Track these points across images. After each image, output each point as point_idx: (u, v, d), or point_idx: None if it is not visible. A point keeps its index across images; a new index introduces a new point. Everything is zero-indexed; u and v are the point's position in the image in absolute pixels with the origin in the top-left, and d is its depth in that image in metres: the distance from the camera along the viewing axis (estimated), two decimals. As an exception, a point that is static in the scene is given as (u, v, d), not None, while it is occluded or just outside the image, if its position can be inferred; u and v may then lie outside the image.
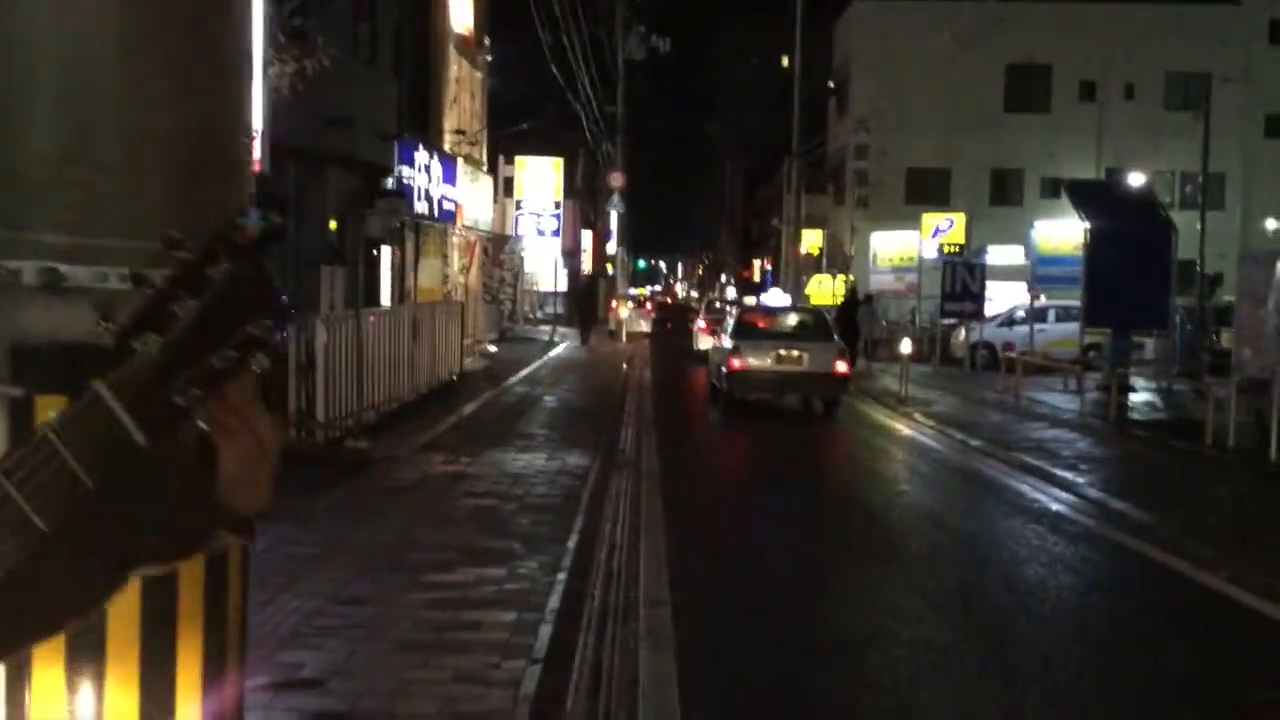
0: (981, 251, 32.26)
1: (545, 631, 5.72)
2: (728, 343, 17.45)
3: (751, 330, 17.78)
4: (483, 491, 9.49)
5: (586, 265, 47.20)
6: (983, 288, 25.06)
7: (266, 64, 10.33)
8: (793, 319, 19.14)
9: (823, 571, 7.97)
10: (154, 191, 1.60)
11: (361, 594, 6.24)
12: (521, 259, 34.75)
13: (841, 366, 16.81)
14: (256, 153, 10.20)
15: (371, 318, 12.74)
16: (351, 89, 16.09)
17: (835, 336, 17.90)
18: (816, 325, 18.31)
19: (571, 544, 7.72)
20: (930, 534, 9.44)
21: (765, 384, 16.99)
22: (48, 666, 1.65)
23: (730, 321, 19.49)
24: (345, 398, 11.54)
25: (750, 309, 24.89)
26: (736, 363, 16.67)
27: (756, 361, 16.65)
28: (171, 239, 1.08)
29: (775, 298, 32.46)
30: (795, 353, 16.68)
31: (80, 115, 1.58)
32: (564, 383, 20.45)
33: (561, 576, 6.82)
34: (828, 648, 6.15)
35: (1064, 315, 24.70)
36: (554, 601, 6.27)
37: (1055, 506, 10.23)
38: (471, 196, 27.24)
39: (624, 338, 34.86)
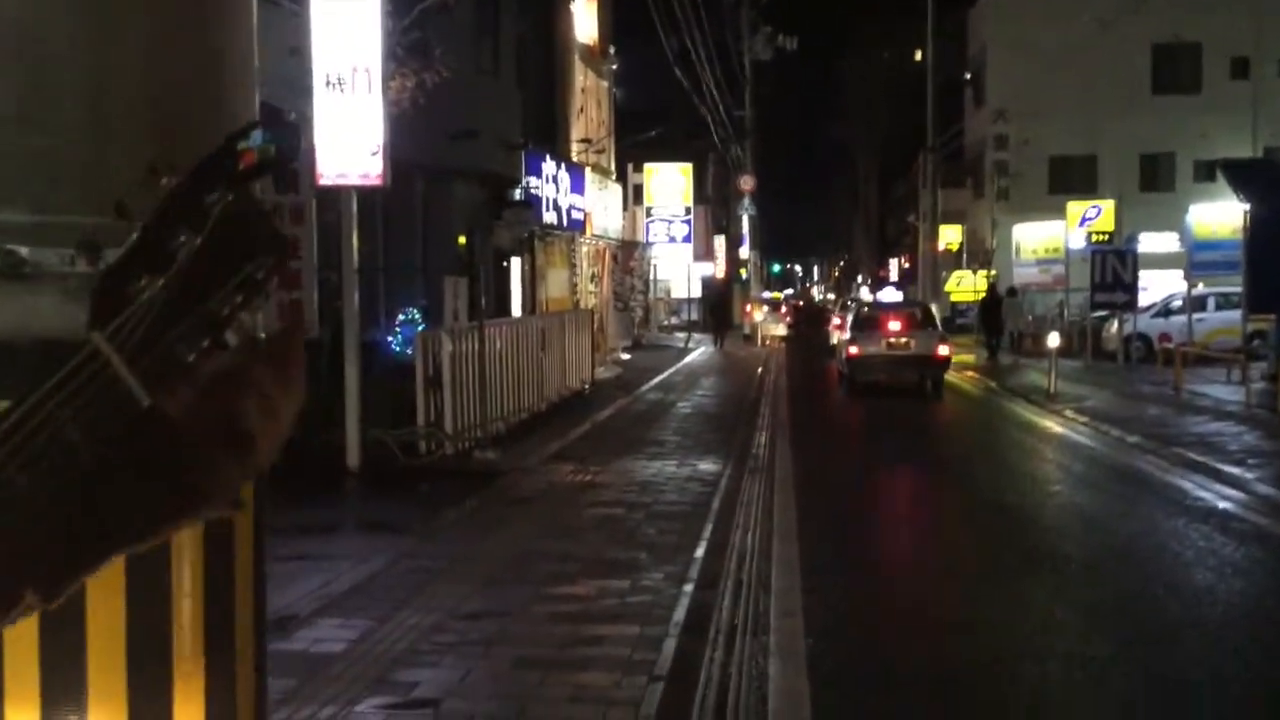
0: (1132, 239, 30.80)
1: (669, 646, 5.44)
2: (848, 334, 20.50)
3: (867, 322, 20.30)
4: (610, 500, 9.27)
5: (719, 271, 46.84)
6: (1135, 277, 23.84)
7: (386, 78, 10.33)
8: (902, 312, 21.31)
9: (970, 581, 7.49)
10: (121, 162, 1.39)
11: (483, 609, 6.06)
12: (652, 266, 34.62)
13: (942, 350, 19.26)
14: (378, 166, 10.24)
15: (497, 329, 12.67)
16: (475, 101, 16.16)
17: (938, 325, 20.72)
18: (922, 317, 20.78)
19: (699, 553, 7.43)
20: (1086, 537, 8.85)
21: (878, 367, 19.45)
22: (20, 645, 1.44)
23: (850, 316, 22.37)
24: (473, 409, 11.48)
25: (866, 304, 27.31)
26: (854, 349, 19.59)
27: (871, 348, 19.35)
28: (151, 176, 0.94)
29: (889, 295, 36.47)
30: (902, 340, 19.33)
31: (36, 72, 1.37)
32: (697, 389, 20.18)
33: (688, 588, 6.54)
34: (976, 664, 5.71)
35: (1224, 303, 23.36)
36: (679, 614, 5.99)
37: (1222, 504, 9.51)
38: (600, 205, 27.23)
39: (759, 342, 34.42)
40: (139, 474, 1.02)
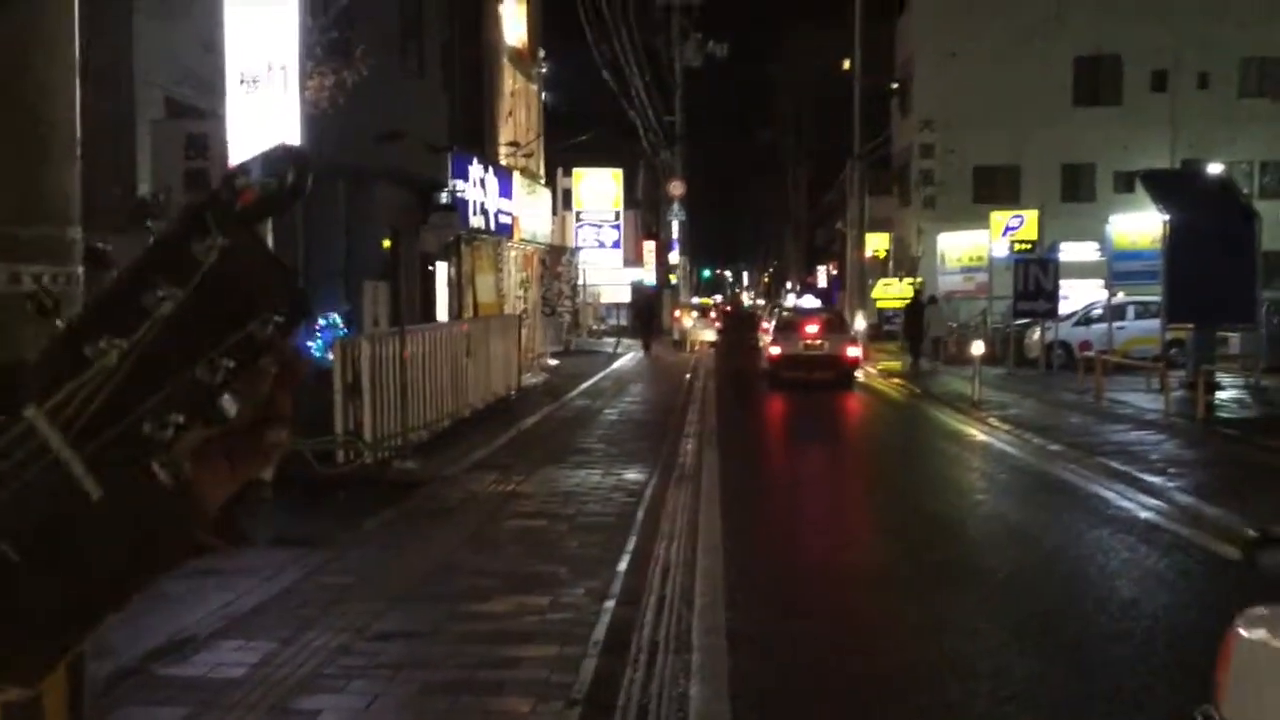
0: (1054, 249, 31.26)
1: (588, 667, 5.26)
2: (770, 336, 23.92)
3: (787, 326, 23.55)
4: (532, 511, 9.07)
5: (650, 276, 46.75)
6: (1057, 285, 24.18)
7: (303, 77, 10.04)
8: (818, 317, 24.11)
9: (894, 595, 7.40)
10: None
11: (394, 628, 5.83)
12: (579, 270, 34.40)
13: (852, 351, 22.17)
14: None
15: (418, 334, 12.39)
16: (401, 103, 15.84)
17: (849, 330, 23.97)
18: (837, 322, 23.92)
19: (622, 567, 7.25)
20: (1010, 548, 8.82)
21: (796, 364, 21.88)
22: None
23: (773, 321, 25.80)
24: (393, 417, 11.20)
25: (787, 310, 31.58)
26: (775, 350, 22.52)
27: (790, 349, 22.10)
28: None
29: (808, 301, 40.38)
30: (817, 342, 21.98)
31: None
32: (625, 395, 20.02)
33: (609, 604, 6.36)
34: (900, 684, 5.60)
35: (1143, 311, 23.73)
36: (599, 633, 5.81)
37: (1144, 514, 9.55)
38: (529, 209, 26.96)
39: (689, 347, 34.37)
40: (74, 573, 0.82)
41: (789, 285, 76.01)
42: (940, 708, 5.21)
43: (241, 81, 9.83)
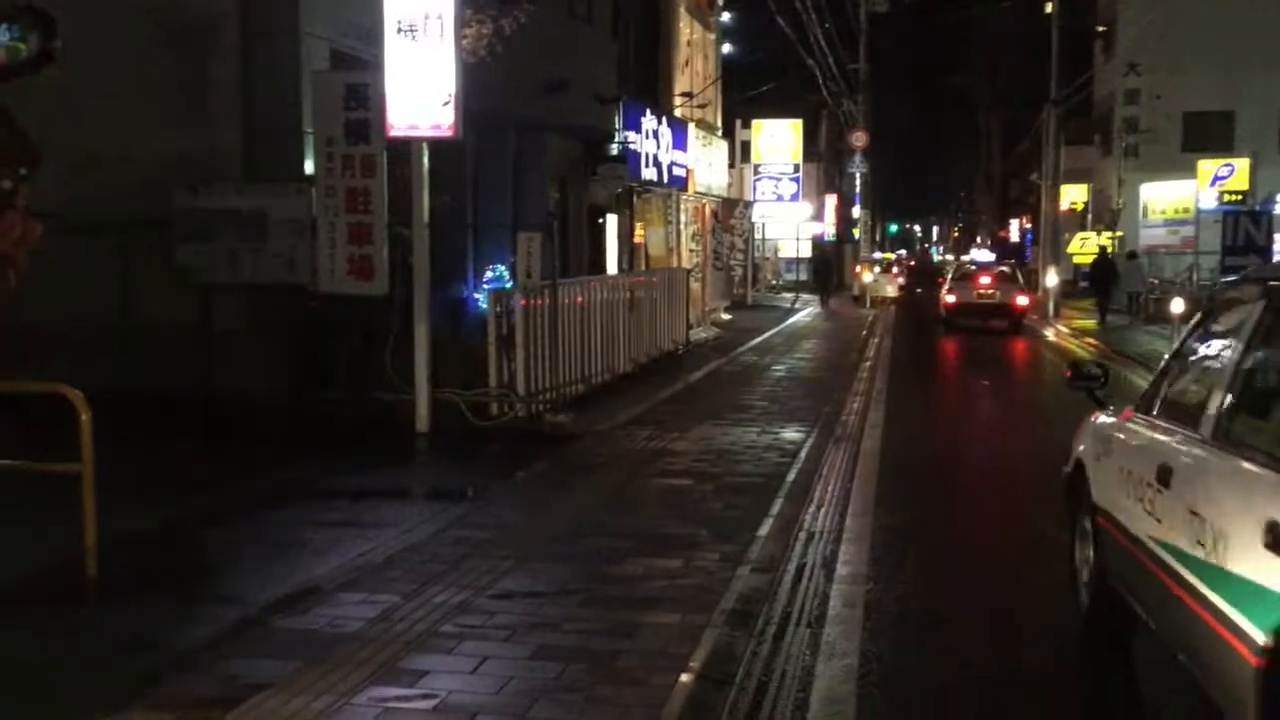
0: (1270, 201, 29.06)
1: (710, 638, 4.98)
2: (946, 287, 26.58)
3: (962, 278, 26.39)
4: (680, 470, 8.82)
5: (830, 230, 45.78)
6: (1270, 240, 22.28)
7: (459, 25, 9.93)
8: (991, 270, 27.03)
9: (1048, 583, 6.86)
10: None
11: (517, 587, 5.68)
12: (757, 224, 33.82)
13: (1020, 300, 24.83)
14: (449, 118, 9.84)
15: (576, 287, 12.26)
16: (567, 52, 15.70)
17: (1020, 281, 26.10)
18: (1009, 273, 26.32)
19: (763, 531, 6.94)
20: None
21: (969, 312, 24.84)
22: None
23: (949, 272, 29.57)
24: (549, 370, 11.11)
25: (962, 263, 35.29)
26: (950, 298, 25.55)
27: (963, 297, 25.21)
28: None
29: (983, 256, 46.70)
30: (989, 291, 24.89)
31: None
32: (796, 351, 19.55)
33: (744, 571, 6.06)
34: (1049, 671, 5.13)
35: (1369, 269, 21.76)
36: (728, 601, 5.52)
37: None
38: (705, 161, 26.61)
39: (868, 303, 33.49)
40: None
41: (979, 240, 73.42)
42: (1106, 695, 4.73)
43: (399, 31, 9.79)
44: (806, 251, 43.95)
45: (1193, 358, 4.63)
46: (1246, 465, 3.50)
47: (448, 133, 9.90)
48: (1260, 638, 3.10)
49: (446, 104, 9.79)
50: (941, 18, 56.65)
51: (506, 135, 15.99)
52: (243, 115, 10.93)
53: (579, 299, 12.16)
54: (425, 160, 10.08)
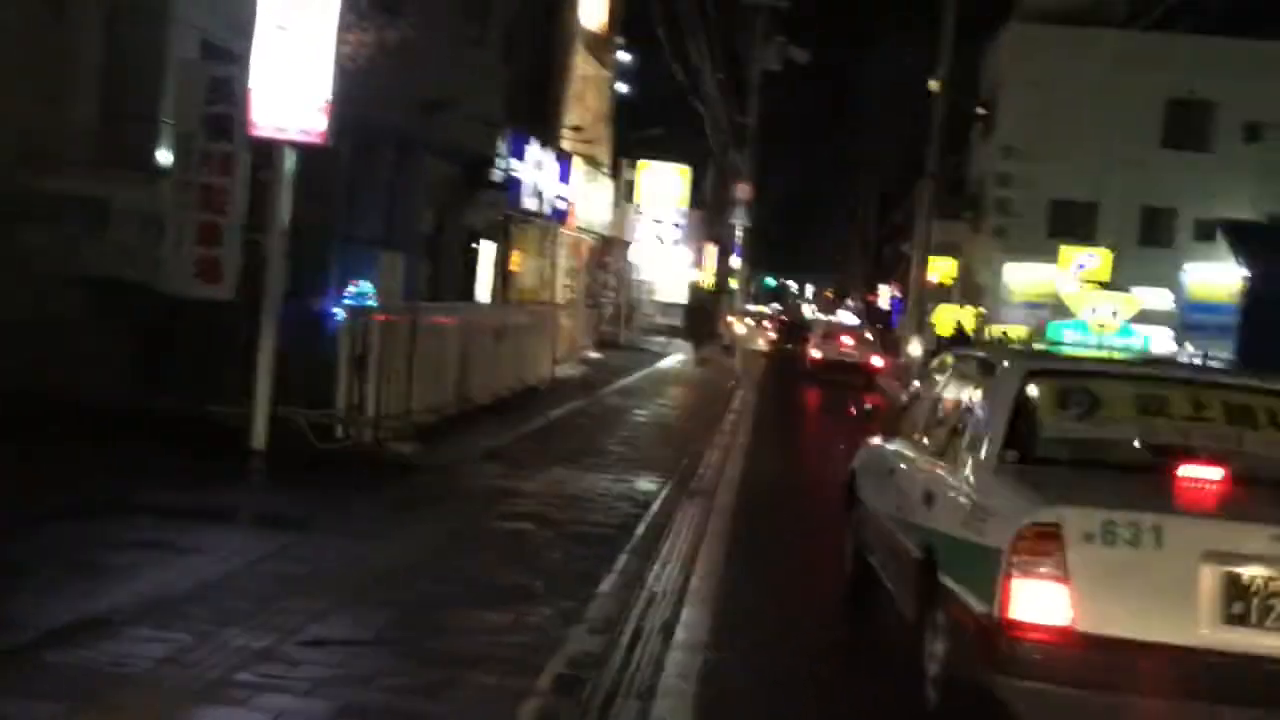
0: (1125, 292, 30.17)
1: (530, 708, 4.62)
2: (812, 343, 30.69)
3: (826, 335, 30.66)
4: (525, 513, 8.45)
5: (708, 278, 46.03)
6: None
7: (340, 27, 9.47)
8: (852, 330, 32.06)
9: (885, 658, 6.69)
10: None
11: (331, 633, 5.24)
12: (632, 265, 33.72)
13: (877, 361, 28.67)
14: (322, 123, 9.36)
15: (441, 313, 11.84)
16: (454, 72, 15.32)
17: (877, 342, 30.45)
18: (869, 335, 30.81)
19: (604, 588, 6.61)
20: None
21: (831, 368, 27.98)
22: None
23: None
24: (401, 396, 10.64)
25: (829, 323, 38.44)
26: (815, 353, 29.57)
27: (827, 354, 29.06)
28: None
29: (846, 317, 50.84)
30: (850, 350, 29.03)
31: None
32: (661, 396, 19.37)
33: (579, 630, 5.72)
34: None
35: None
36: (557, 664, 5.17)
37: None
38: (588, 197, 26.38)
39: (738, 355, 33.61)
40: None
41: (849, 302, 74.92)
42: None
43: (275, 25, 9.30)
44: (683, 297, 44.08)
45: (913, 399, 7.08)
46: (923, 460, 5.87)
47: (317, 139, 9.41)
48: (915, 553, 5.31)
49: (320, 109, 9.32)
50: (830, 83, 57.89)
51: (384, 150, 15.49)
52: (101, 97, 10.29)
53: (441, 325, 11.73)
54: (289, 164, 9.57)
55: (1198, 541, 4.14)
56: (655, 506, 9.36)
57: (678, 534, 8.50)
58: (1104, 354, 7.31)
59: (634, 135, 34.74)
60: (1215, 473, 4.55)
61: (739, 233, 41.59)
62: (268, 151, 9.57)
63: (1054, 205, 39.66)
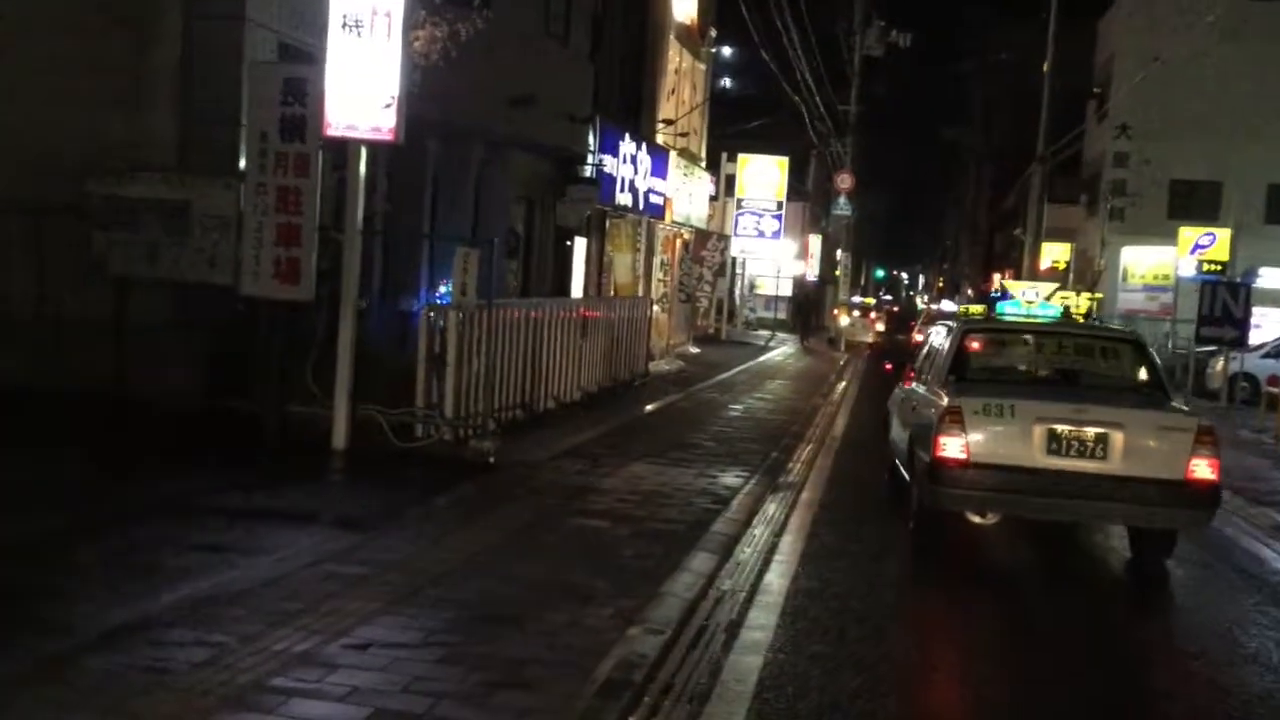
0: (1251, 273, 28.82)
1: (571, 713, 4.43)
2: (916, 328, 30.67)
3: (931, 321, 27.18)
4: (600, 511, 8.27)
5: (811, 270, 45.42)
6: (1247, 312, 21.95)
7: (408, 25, 9.44)
8: (953, 315, 30.90)
9: (969, 688, 6.34)
10: None
11: (379, 635, 5.12)
12: (731, 259, 33.34)
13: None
14: (391, 120, 9.32)
15: (521, 309, 11.74)
16: (537, 67, 15.21)
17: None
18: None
19: (669, 587, 6.39)
20: (1140, 616, 7.60)
21: None
22: None
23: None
24: (483, 393, 10.57)
25: (933, 310, 39.80)
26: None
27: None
28: None
29: (948, 305, 53.27)
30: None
31: None
32: (758, 391, 19.04)
33: (635, 631, 5.51)
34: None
35: (1345, 349, 21.45)
36: (606, 667, 4.97)
37: (1309, 585, 8.17)
38: (685, 191, 26.17)
39: (843, 347, 33.06)
40: None
41: (961, 290, 73.26)
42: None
43: (344, 26, 9.29)
44: (787, 290, 43.58)
45: (925, 353, 9.94)
46: (914, 389, 9.35)
47: (388, 136, 9.38)
48: (907, 442, 8.71)
49: (389, 106, 9.27)
50: (939, 68, 56.64)
51: (471, 147, 15.48)
52: (179, 102, 10.42)
53: (525, 320, 11.63)
54: (363, 164, 9.57)
55: (1031, 412, 7.63)
56: (736, 502, 9.10)
57: (756, 531, 8.27)
58: (1024, 319, 9.97)
59: (734, 128, 34.42)
60: (1053, 378, 8.95)
61: (843, 223, 40.89)
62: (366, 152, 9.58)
63: (1174, 185, 38.20)
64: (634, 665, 5.04)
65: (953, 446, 7.55)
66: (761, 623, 6.06)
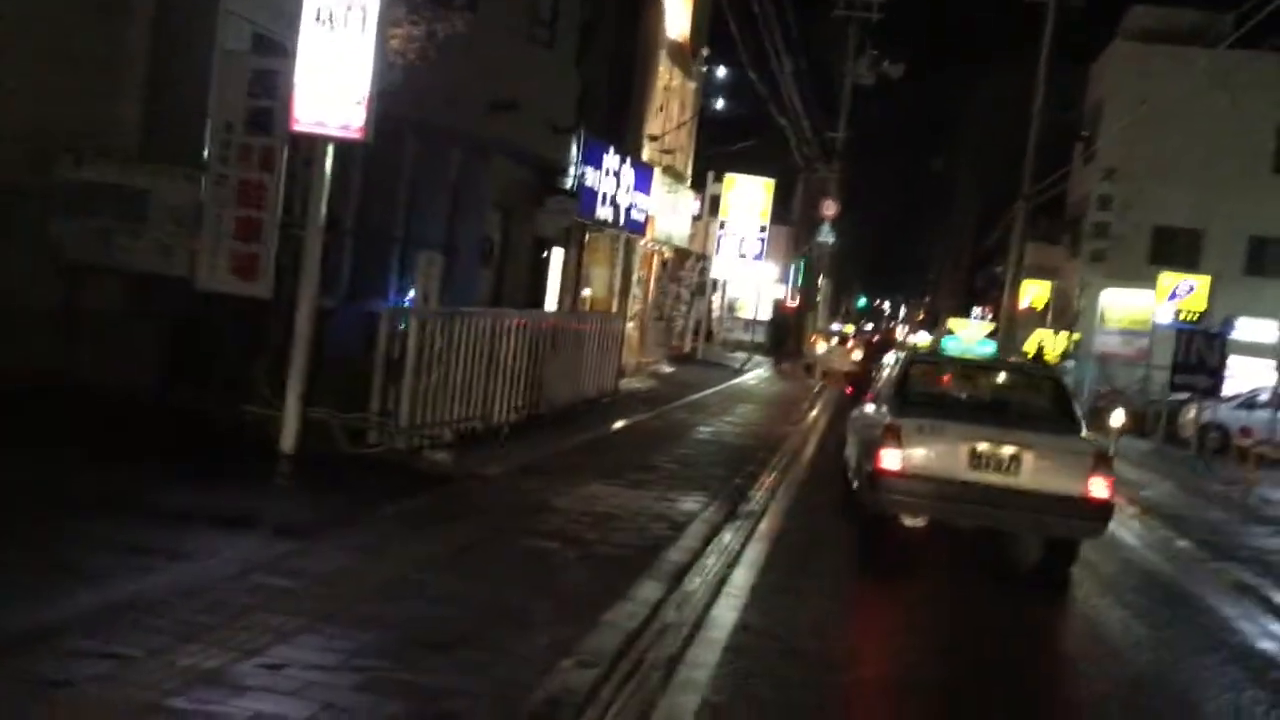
0: (1228, 323, 28.87)
1: (489, 751, 4.20)
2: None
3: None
4: (550, 530, 8.03)
5: (791, 295, 45.33)
6: (1222, 362, 21.93)
7: (384, 20, 9.19)
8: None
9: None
10: None
11: (296, 655, 4.87)
12: (711, 280, 33.17)
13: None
14: (360, 118, 9.07)
15: (489, 318, 11.50)
16: (521, 72, 14.99)
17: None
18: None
19: (610, 615, 6.16)
20: (1097, 667, 7.41)
21: None
22: None
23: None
24: (441, 402, 10.33)
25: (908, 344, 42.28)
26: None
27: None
28: None
29: (921, 337, 49.27)
30: None
31: None
32: (728, 414, 18.83)
33: (567, 664, 5.28)
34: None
35: (1317, 404, 21.43)
36: (531, 703, 4.73)
37: (1266, 644, 8.00)
38: (668, 209, 26.02)
39: (818, 374, 32.89)
40: None
41: (941, 324, 73.36)
42: None
43: (318, 18, 9.06)
44: (766, 313, 43.42)
45: (880, 379, 11.22)
46: (866, 410, 10.53)
47: (357, 135, 9.11)
48: (857, 453, 10.16)
49: (359, 103, 9.04)
50: (931, 100, 56.82)
51: (449, 152, 15.28)
52: (147, 90, 10.15)
53: (489, 330, 11.39)
54: (329, 162, 9.30)
55: (959, 434, 8.80)
56: (692, 528, 8.87)
57: (708, 559, 8.04)
58: (962, 354, 10.90)
59: (721, 148, 34.30)
60: (982, 405, 10.31)
61: (826, 250, 40.83)
62: (318, 146, 9.33)
63: (1156, 231, 38.25)
64: (561, 702, 4.81)
65: (891, 459, 8.69)
66: (703, 660, 5.84)
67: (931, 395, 10.24)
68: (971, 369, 10.67)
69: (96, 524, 6.54)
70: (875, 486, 8.83)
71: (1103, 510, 8.71)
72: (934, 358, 11.34)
